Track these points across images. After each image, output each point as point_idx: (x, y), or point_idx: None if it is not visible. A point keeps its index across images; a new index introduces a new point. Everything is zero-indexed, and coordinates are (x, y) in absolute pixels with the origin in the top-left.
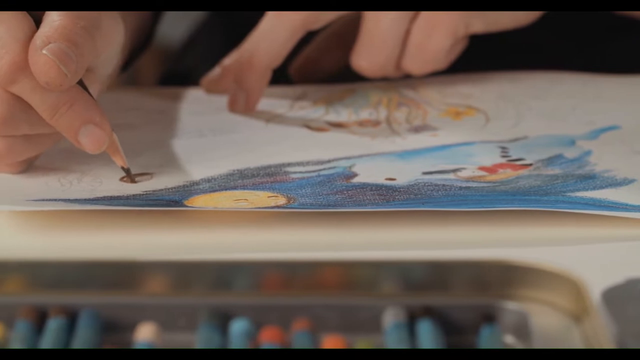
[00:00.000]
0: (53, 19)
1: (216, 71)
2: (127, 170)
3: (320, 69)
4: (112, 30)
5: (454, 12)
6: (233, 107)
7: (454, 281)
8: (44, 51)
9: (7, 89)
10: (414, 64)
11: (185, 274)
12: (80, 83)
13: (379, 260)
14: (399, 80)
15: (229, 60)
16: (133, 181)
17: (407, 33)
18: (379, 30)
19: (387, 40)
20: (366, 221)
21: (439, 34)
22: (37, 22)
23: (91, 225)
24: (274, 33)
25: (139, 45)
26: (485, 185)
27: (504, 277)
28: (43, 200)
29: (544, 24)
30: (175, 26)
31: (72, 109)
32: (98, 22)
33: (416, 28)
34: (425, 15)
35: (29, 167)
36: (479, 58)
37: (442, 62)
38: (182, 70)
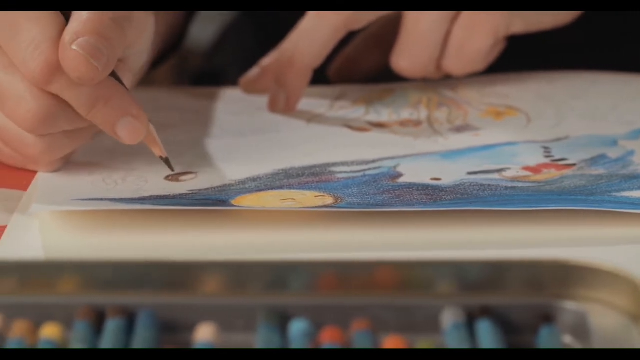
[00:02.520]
0: (81, 14)
1: (255, 71)
2: (166, 160)
3: (358, 70)
4: (144, 22)
5: (495, 12)
6: (273, 107)
7: (511, 281)
8: (73, 47)
9: (44, 88)
10: (455, 65)
11: (243, 274)
12: (114, 76)
13: (436, 260)
14: (437, 80)
15: (268, 60)
16: (172, 169)
17: (448, 33)
18: (420, 30)
19: (428, 41)
20: (418, 221)
21: (480, 34)
22: (68, 19)
23: (141, 225)
24: (316, 33)
25: (171, 44)
26: (530, 185)
27: (561, 277)
28: (89, 199)
29: (581, 24)
30: (201, 27)
31: (109, 104)
32: (129, 14)
33: (457, 28)
34: (466, 16)
35: (65, 164)
36: (515, 58)
37: (482, 63)
38: (212, 71)
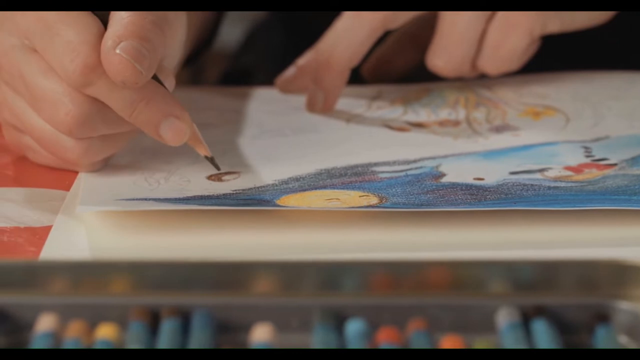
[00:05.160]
0: (121, 16)
1: (291, 70)
2: (211, 159)
3: (393, 69)
4: (178, 23)
5: (530, 12)
6: (311, 107)
7: (565, 281)
8: (117, 50)
9: (82, 91)
10: (490, 64)
11: (297, 274)
12: (155, 77)
13: (491, 260)
14: (474, 80)
15: (305, 59)
16: (218, 168)
17: (484, 33)
18: (456, 30)
19: (464, 40)
20: (464, 221)
21: (515, 34)
22: (104, 22)
23: (186, 225)
24: (353, 32)
25: (202, 43)
26: (573, 185)
27: (616, 276)
28: (133, 200)
29: (617, 24)
30: (229, 26)
31: (150, 104)
32: (165, 15)
33: (493, 28)
34: (502, 15)
35: (105, 164)
36: (551, 57)
37: (517, 63)
38: (240, 70)
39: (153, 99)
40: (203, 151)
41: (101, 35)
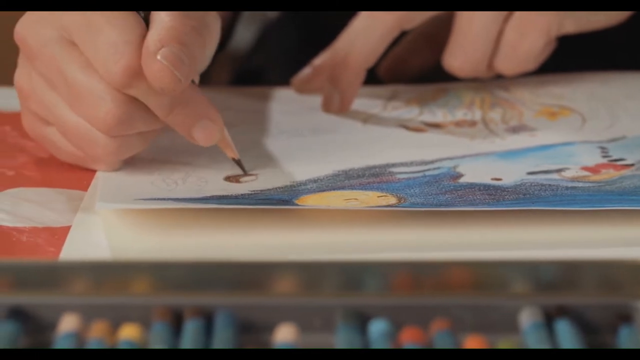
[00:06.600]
0: (162, 19)
1: (307, 71)
2: (238, 162)
3: (409, 69)
4: (215, 28)
5: (547, 12)
6: (327, 108)
7: (587, 281)
8: (157, 57)
9: (123, 91)
10: (507, 64)
11: (320, 274)
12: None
13: (514, 260)
14: (489, 80)
15: (321, 59)
16: (244, 171)
17: (500, 33)
18: (473, 30)
19: (481, 41)
20: (484, 220)
21: (532, 34)
22: (146, 21)
23: (206, 225)
24: (369, 33)
25: (220, 43)
26: (590, 185)
27: (638, 277)
28: (153, 199)
29: (633, 24)
30: (242, 26)
31: (187, 107)
32: (205, 21)
33: (509, 28)
34: (519, 16)
35: (124, 164)
36: (567, 58)
37: (533, 63)
38: (253, 70)
39: (190, 101)
40: (231, 154)
41: (143, 36)
